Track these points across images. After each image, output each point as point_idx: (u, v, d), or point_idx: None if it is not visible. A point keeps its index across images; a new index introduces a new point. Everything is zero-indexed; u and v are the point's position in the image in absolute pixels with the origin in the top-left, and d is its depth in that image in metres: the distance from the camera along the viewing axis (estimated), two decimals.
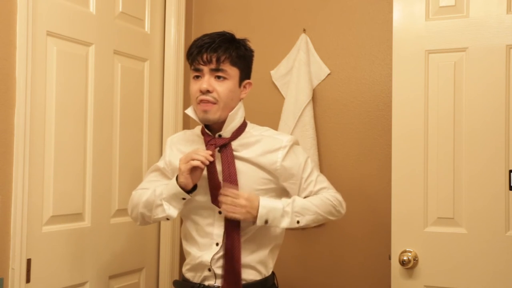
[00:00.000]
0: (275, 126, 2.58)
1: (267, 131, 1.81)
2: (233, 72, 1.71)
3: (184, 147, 1.80)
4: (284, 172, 1.74)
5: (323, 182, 1.83)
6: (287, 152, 1.74)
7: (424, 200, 2.12)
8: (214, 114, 1.68)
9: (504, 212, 2.02)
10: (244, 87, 1.77)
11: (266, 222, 1.65)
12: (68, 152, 2.15)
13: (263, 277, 1.78)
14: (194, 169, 1.64)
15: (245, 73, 1.77)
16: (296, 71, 2.56)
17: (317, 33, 2.61)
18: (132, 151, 2.50)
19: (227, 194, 1.64)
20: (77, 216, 2.20)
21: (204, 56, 1.66)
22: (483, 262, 2.04)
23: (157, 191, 1.73)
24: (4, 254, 1.87)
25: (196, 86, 1.69)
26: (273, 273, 1.85)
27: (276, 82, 2.66)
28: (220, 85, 1.68)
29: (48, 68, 2.05)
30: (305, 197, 1.76)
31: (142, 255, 2.57)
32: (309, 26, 2.62)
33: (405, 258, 2.10)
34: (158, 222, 1.80)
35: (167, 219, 1.72)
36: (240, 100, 1.77)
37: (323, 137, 2.58)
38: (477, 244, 2.05)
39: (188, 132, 1.88)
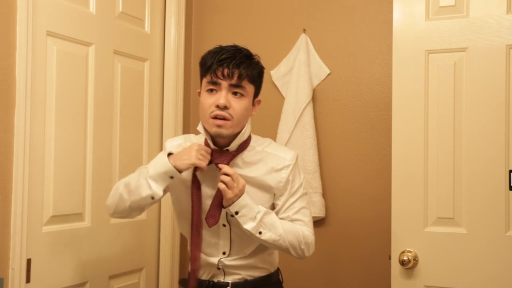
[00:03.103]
0: (275, 126, 2.59)
1: (269, 145, 1.79)
2: (250, 89, 1.68)
3: None
4: (282, 189, 1.74)
5: (305, 216, 1.77)
6: (290, 171, 1.74)
7: (424, 200, 2.12)
8: (227, 130, 1.64)
9: (504, 212, 2.02)
10: (254, 105, 1.74)
11: (236, 213, 1.63)
12: (68, 152, 2.15)
13: (268, 273, 1.82)
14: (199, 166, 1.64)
15: (258, 91, 1.75)
16: (296, 71, 2.56)
17: (317, 33, 2.61)
18: (132, 151, 2.50)
19: (230, 174, 1.62)
20: (77, 216, 2.20)
21: (225, 71, 1.61)
22: (483, 262, 2.04)
23: (141, 172, 1.67)
24: (4, 254, 1.87)
25: (211, 100, 1.64)
26: (278, 269, 1.89)
27: (276, 82, 2.66)
28: (237, 102, 1.64)
29: (48, 68, 2.05)
30: (280, 219, 1.73)
31: (142, 255, 2.57)
32: (309, 26, 2.62)
33: (405, 258, 2.10)
34: (138, 210, 1.71)
35: (152, 198, 1.64)
36: (249, 117, 1.74)
37: (323, 137, 2.58)
38: (477, 244, 2.05)
39: (187, 141, 1.81)
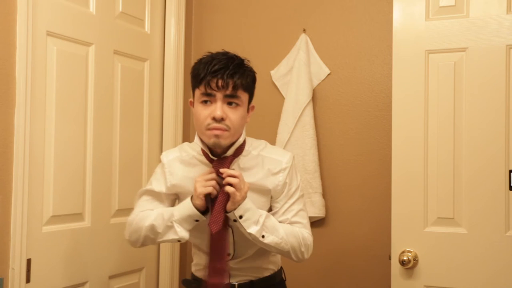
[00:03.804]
0: (275, 126, 2.59)
1: (264, 148, 1.77)
2: (245, 98, 1.66)
3: (187, 173, 1.75)
4: (279, 191, 1.73)
5: (303, 218, 1.75)
6: (287, 174, 1.73)
7: (424, 200, 2.12)
8: (225, 140, 1.61)
9: (504, 212, 2.02)
10: (248, 111, 1.72)
11: (240, 217, 1.60)
12: (68, 152, 2.15)
13: (273, 272, 1.83)
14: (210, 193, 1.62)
15: (252, 98, 1.73)
16: (296, 71, 2.56)
17: (317, 33, 2.61)
18: (132, 151, 2.50)
19: (236, 175, 1.60)
20: (77, 216, 2.20)
21: (220, 82, 1.58)
22: (483, 262, 2.04)
23: (165, 215, 1.67)
24: (4, 254, 1.87)
25: (206, 112, 1.61)
26: (281, 267, 1.89)
27: (276, 82, 2.66)
28: (233, 112, 1.61)
29: (48, 68, 2.06)
30: (279, 222, 1.72)
31: (142, 255, 2.57)
32: (309, 26, 2.62)
33: (405, 258, 2.10)
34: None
35: (178, 241, 1.67)
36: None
37: (323, 137, 2.58)
38: (477, 244, 2.05)
39: (183, 152, 1.79)
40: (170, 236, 1.66)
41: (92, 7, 2.26)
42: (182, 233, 1.63)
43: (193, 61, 2.83)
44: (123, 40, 2.43)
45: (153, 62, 2.63)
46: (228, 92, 1.60)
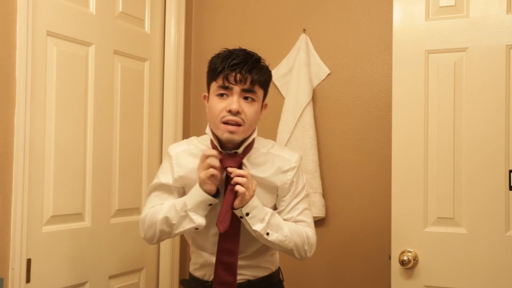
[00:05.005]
0: (275, 126, 2.59)
1: (273, 147, 1.79)
2: (260, 94, 1.69)
3: (195, 164, 1.73)
4: (286, 190, 1.74)
5: (308, 217, 1.77)
6: (295, 173, 1.75)
7: (424, 200, 2.12)
8: (240, 135, 1.63)
9: (504, 212, 2.02)
10: (261, 109, 1.74)
11: (247, 214, 1.62)
12: (68, 152, 2.15)
13: (270, 272, 1.83)
14: (212, 175, 1.63)
15: (266, 95, 1.75)
16: (296, 71, 2.56)
17: (317, 33, 2.61)
18: (132, 151, 2.50)
19: (245, 175, 1.62)
20: (77, 216, 2.20)
21: (238, 76, 1.61)
22: (483, 262, 2.04)
23: (177, 206, 1.67)
24: (4, 254, 1.88)
25: (222, 105, 1.62)
26: (279, 268, 1.89)
27: (276, 82, 2.66)
28: (248, 106, 1.64)
29: (48, 68, 2.06)
30: (284, 220, 1.73)
31: (142, 255, 2.57)
32: (309, 26, 2.62)
33: (405, 258, 2.10)
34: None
35: (196, 228, 1.66)
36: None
37: (323, 137, 2.58)
38: (477, 244, 2.05)
39: (191, 145, 1.80)
40: (187, 225, 1.65)
41: (92, 7, 2.26)
42: (199, 220, 1.64)
43: (193, 61, 2.86)
44: (123, 40, 2.43)
45: (153, 62, 2.63)
46: (246, 86, 1.63)
